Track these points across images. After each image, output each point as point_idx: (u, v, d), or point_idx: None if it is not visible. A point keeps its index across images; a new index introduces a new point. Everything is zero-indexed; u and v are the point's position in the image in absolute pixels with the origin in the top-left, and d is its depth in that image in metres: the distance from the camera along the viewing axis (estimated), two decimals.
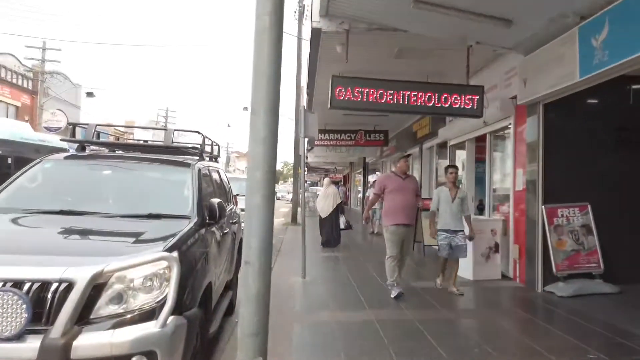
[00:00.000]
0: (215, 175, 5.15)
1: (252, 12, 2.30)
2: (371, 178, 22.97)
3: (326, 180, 12.45)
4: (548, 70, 5.82)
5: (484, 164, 9.70)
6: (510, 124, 7.20)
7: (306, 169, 37.66)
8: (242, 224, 7.09)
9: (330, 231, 10.88)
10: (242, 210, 7.91)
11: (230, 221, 5.49)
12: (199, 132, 4.90)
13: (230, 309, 5.49)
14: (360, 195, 25.10)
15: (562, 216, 6.22)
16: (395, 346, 4.05)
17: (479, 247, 7.04)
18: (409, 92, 6.59)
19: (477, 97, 6.70)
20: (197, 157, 4.69)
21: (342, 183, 30.02)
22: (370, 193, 13.93)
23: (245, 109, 38.02)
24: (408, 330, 4.60)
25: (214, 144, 5.61)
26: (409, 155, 13.18)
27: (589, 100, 6.39)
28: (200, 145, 4.81)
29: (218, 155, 6.09)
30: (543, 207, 6.21)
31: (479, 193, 9.36)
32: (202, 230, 3.68)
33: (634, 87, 6.30)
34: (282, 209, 31.54)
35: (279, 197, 46.11)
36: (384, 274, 7.23)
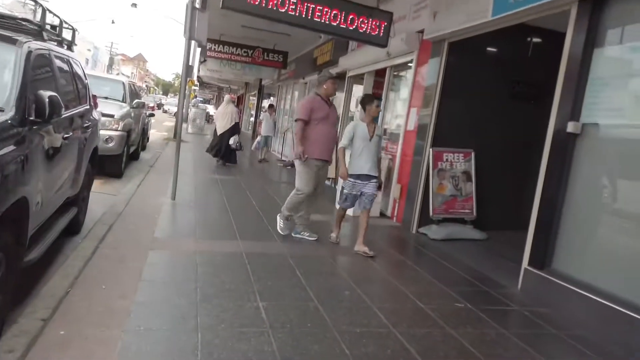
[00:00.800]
0: (61, 65, 4.06)
1: None
2: (266, 103, 22.08)
3: (226, 97, 12.34)
4: (460, 5, 5.46)
5: (379, 100, 9.48)
6: (412, 60, 6.87)
7: (197, 83, 35.32)
8: (102, 132, 6.02)
9: (223, 148, 11.10)
10: (105, 115, 6.72)
11: (83, 125, 4.50)
12: (36, 2, 3.70)
13: (76, 229, 4.66)
14: (252, 119, 24.16)
15: (446, 161, 6.19)
16: (261, 284, 3.64)
17: None
18: (314, 5, 5.84)
19: (385, 24, 6.19)
20: (33, 36, 3.58)
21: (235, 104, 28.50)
22: (265, 118, 13.24)
23: (134, 5, 33.72)
24: (279, 266, 4.22)
25: (64, 23, 4.42)
26: (337, 77, 12.55)
27: (490, 48, 6.25)
28: (40, 20, 3.67)
29: (72, 42, 4.89)
30: (431, 149, 6.10)
31: None
32: (22, 129, 2.77)
33: (534, 39, 6.26)
34: (167, 122, 29.48)
35: (166, 110, 43.05)
36: (265, 204, 6.75)
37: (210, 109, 34.28)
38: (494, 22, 4.93)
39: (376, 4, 6.23)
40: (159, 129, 22.92)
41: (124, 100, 9.27)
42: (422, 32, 6.62)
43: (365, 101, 5.12)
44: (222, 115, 11.39)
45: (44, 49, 3.56)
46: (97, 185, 7.60)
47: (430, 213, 6.06)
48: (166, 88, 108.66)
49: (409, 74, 7.24)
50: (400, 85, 7.63)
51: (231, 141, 11.07)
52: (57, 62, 3.86)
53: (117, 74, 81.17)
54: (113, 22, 67.53)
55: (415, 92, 6.71)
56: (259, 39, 13.40)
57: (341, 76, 10.41)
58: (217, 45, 13.46)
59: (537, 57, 6.22)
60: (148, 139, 15.61)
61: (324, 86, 5.28)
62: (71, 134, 3.84)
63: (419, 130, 6.37)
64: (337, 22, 5.98)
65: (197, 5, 6.56)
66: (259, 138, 13.12)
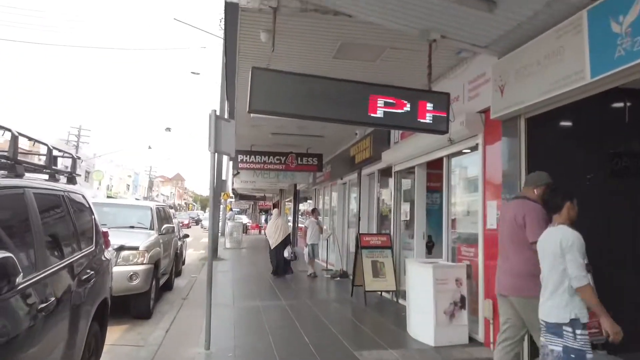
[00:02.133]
0: (45, 203, 3.09)
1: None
2: (304, 206, 21.31)
3: (275, 211, 13.17)
4: (537, 73, 4.40)
5: (437, 194, 8.28)
6: (476, 145, 5.75)
7: (233, 196, 35.41)
8: (124, 268, 4.91)
9: (276, 261, 11.51)
10: (128, 248, 5.71)
11: (80, 276, 3.42)
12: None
13: None
14: (290, 224, 23.24)
15: None
16: None
17: (441, 302, 5.43)
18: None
19: (442, 107, 5.17)
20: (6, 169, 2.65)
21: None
22: (310, 224, 12.05)
23: (168, 129, 35.17)
24: None
25: (53, 150, 3.53)
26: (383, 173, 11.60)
27: (577, 118, 5.09)
28: (9, 149, 2.76)
29: (74, 173, 4.02)
30: None
31: (432, 228, 7.88)
32: None
33: (629, 103, 5.09)
34: (205, 239, 28.94)
35: (204, 225, 43.12)
36: (324, 340, 5.35)
37: (244, 218, 33.85)
38: (596, 84, 3.81)
39: (428, 86, 5.30)
40: (196, 247, 22.19)
41: (151, 228, 8.41)
42: (483, 112, 5.59)
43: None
44: (274, 229, 11.77)
45: (12, 187, 2.61)
46: (120, 333, 6.45)
47: None
48: (204, 203, 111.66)
49: (474, 161, 6.09)
50: (465, 175, 6.44)
51: (285, 253, 11.48)
52: (37, 202, 2.88)
53: (157, 195, 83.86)
54: (150, 147, 70.95)
55: (488, 182, 5.50)
56: (290, 144, 12.81)
57: (385, 172, 9.40)
58: (248, 156, 12.92)
59: (637, 123, 5.01)
60: (184, 262, 14.70)
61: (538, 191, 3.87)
62: (51, 299, 2.73)
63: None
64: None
65: (224, 115, 5.81)
66: (307, 249, 11.87)
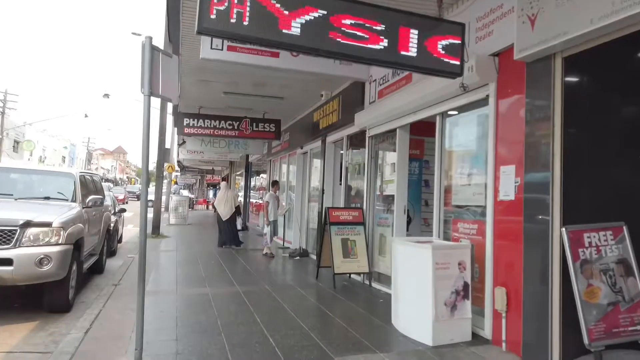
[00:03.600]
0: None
1: None
2: (262, 181, 19.93)
3: (223, 183, 13.40)
4: None
5: (415, 162, 7.21)
6: (487, 95, 4.63)
7: (178, 169, 33.21)
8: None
9: (229, 232, 11.53)
10: (37, 225, 4.28)
11: None
12: None
13: None
14: (241, 199, 21.73)
15: (590, 245, 3.74)
16: None
17: (442, 291, 4.35)
18: (343, 15, 3.62)
19: (456, 43, 3.98)
20: None
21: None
22: (270, 199, 10.62)
23: (106, 95, 32.27)
24: None
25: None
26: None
27: (631, 58, 4.06)
28: None
29: None
30: (563, 229, 3.67)
31: (413, 201, 6.84)
32: None
33: None
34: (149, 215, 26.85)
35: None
36: (289, 339, 4.11)
37: (185, 193, 31.68)
38: None
39: (437, 12, 4.10)
40: (136, 223, 20.29)
41: (74, 199, 6.79)
42: (497, 54, 4.47)
43: None
44: (224, 202, 11.51)
45: None
46: (25, 332, 4.96)
47: (585, 339, 3.50)
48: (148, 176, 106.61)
49: (474, 119, 5.00)
50: (463, 137, 5.33)
51: (238, 225, 11.61)
52: None
53: (96, 169, 79.16)
54: (86, 115, 65.70)
55: (503, 142, 4.41)
56: (245, 107, 11.33)
57: (357, 138, 8.22)
58: (195, 119, 11.31)
59: None
60: (120, 239, 13.00)
61: None
62: None
63: (528, 201, 3.97)
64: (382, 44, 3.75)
65: (163, 47, 4.32)
66: (267, 228, 10.48)
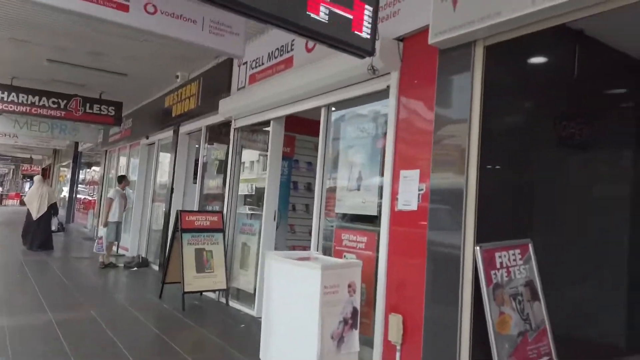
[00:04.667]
0: None
1: None
2: (92, 174, 17.15)
3: (37, 177, 11.17)
4: None
5: (284, 161, 6.39)
6: (387, 86, 3.95)
7: None
8: None
9: (40, 234, 9.97)
10: None
11: None
12: None
13: None
14: (65, 194, 18.47)
15: (501, 266, 3.26)
16: None
17: (329, 321, 3.50)
18: None
19: (367, 15, 3.19)
20: None
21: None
22: (116, 196, 8.51)
23: None
24: None
25: None
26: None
27: (534, 55, 3.74)
28: None
29: None
30: (478, 248, 3.12)
31: (280, 205, 6.00)
32: None
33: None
34: None
35: None
36: None
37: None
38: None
39: None
40: None
41: None
42: (406, 38, 3.84)
43: None
44: (36, 198, 10.12)
45: None
46: None
47: None
48: None
49: (370, 113, 4.32)
50: (352, 135, 4.59)
51: (52, 226, 10.23)
52: None
53: None
54: None
55: (401, 142, 3.76)
56: (76, 83, 9.22)
57: (218, 129, 7.08)
58: (6, 92, 8.82)
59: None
60: None
61: None
62: None
63: (435, 211, 3.36)
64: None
65: None
66: (102, 231, 8.45)
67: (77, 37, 6.54)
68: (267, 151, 5.76)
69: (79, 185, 17.78)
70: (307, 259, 3.97)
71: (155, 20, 4.32)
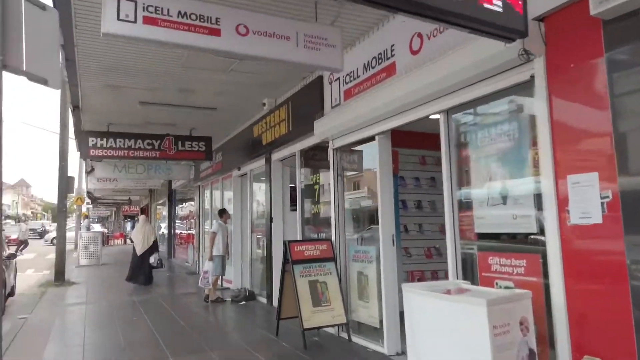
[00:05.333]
0: None
1: None
2: (189, 208, 17.74)
3: (142, 217, 13.08)
4: None
5: (396, 179, 5.83)
6: (532, 77, 3.28)
7: (89, 200, 29.64)
8: None
9: (141, 268, 11.05)
10: None
11: None
12: None
13: None
14: (163, 231, 19.25)
15: None
16: None
17: None
18: None
19: None
20: None
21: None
22: (219, 230, 8.46)
23: None
24: None
25: None
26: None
27: None
28: None
29: None
30: None
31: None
32: None
33: None
34: (52, 255, 23.22)
35: (51, 239, 36.14)
36: None
37: (97, 227, 27.91)
38: None
39: None
40: (38, 267, 17.09)
41: None
42: (547, 17, 3.17)
43: None
44: (141, 236, 11.32)
45: None
46: None
47: None
48: (56, 213, 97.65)
49: (505, 111, 3.66)
50: (485, 139, 3.93)
51: (151, 260, 11.14)
52: None
53: None
54: None
55: (564, 139, 3.06)
56: (167, 123, 9.38)
57: (312, 152, 6.72)
58: (104, 139, 9.16)
59: None
60: (12, 292, 10.34)
61: None
62: None
63: (632, 224, 2.62)
64: None
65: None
66: (207, 266, 8.44)
67: (167, 77, 6.52)
68: (358, 171, 5.27)
69: (176, 221, 18.44)
70: (460, 292, 3.36)
71: (248, 42, 4.03)
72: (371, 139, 5.26)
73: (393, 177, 6.25)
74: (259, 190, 9.09)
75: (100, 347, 5.72)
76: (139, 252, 11.16)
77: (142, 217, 13.04)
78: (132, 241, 12.33)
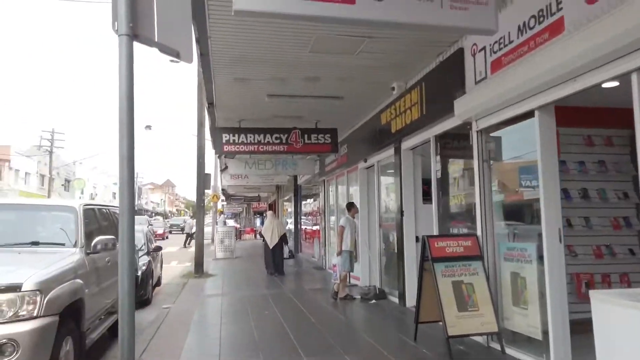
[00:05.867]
0: None
1: None
2: (308, 205, 17.97)
3: (269, 212, 14.13)
4: None
5: (561, 165, 4.89)
6: None
7: (224, 197, 31.84)
8: None
9: (274, 260, 11.84)
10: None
11: None
12: None
13: None
14: (289, 226, 19.71)
15: None
16: None
17: None
18: None
19: None
20: None
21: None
22: (347, 224, 8.24)
23: (148, 127, 31.56)
24: None
25: None
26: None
27: None
28: None
29: None
30: None
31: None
32: None
33: None
34: (192, 249, 25.30)
35: (191, 233, 39.59)
36: None
37: (230, 223, 29.75)
38: None
39: None
40: (181, 259, 18.63)
41: (75, 244, 4.87)
42: None
43: None
44: (270, 230, 11.94)
45: None
46: None
47: None
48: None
49: None
50: None
51: (285, 254, 12.15)
52: None
53: (146, 203, 79.87)
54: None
55: None
56: (294, 115, 9.32)
57: (448, 137, 6.01)
58: (236, 135, 9.40)
59: None
60: (159, 282, 11.20)
61: None
62: None
63: None
64: None
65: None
66: (336, 260, 8.21)
67: (292, 64, 6.32)
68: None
69: (301, 217, 18.76)
70: None
71: (385, 7, 3.54)
72: (528, 115, 4.43)
73: None
74: (387, 182, 8.58)
75: (236, 341, 5.71)
76: (270, 246, 11.82)
77: (269, 213, 13.81)
78: (262, 237, 12.81)
